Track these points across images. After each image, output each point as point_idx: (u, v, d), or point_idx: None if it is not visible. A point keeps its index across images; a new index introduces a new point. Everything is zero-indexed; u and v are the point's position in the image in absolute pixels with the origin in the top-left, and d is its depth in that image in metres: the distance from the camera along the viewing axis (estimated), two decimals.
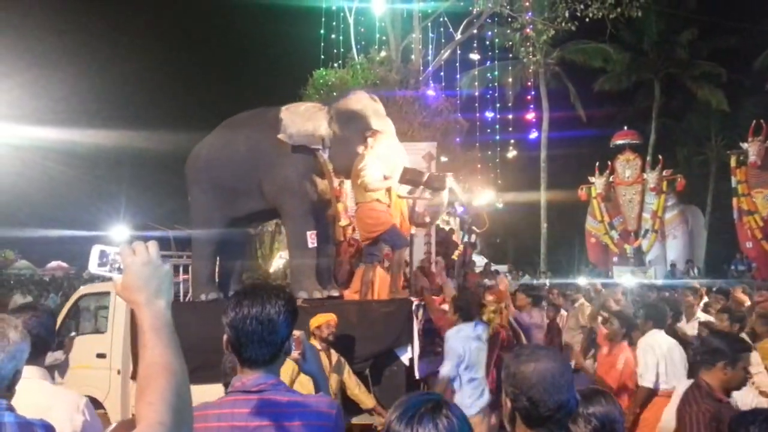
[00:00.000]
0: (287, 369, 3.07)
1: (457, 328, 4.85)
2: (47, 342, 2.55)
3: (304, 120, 6.34)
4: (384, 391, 5.36)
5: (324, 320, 4.85)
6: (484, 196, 13.77)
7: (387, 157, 6.26)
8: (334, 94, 9.88)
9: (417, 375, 5.42)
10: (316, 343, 4.62)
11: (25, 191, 19.41)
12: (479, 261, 15.56)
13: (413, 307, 5.56)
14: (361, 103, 6.67)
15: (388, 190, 6.24)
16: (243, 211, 6.80)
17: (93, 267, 1.30)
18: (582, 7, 17.74)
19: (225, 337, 1.89)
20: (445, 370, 4.65)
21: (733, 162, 17.42)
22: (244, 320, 1.81)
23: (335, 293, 6.35)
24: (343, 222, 7.01)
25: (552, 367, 1.78)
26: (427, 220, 6.61)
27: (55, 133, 17.71)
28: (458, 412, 1.45)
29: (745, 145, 16.78)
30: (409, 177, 6.07)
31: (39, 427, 1.94)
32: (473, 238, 11.21)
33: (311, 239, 6.28)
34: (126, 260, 1.23)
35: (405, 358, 5.42)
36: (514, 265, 22.24)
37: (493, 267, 14.11)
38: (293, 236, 6.54)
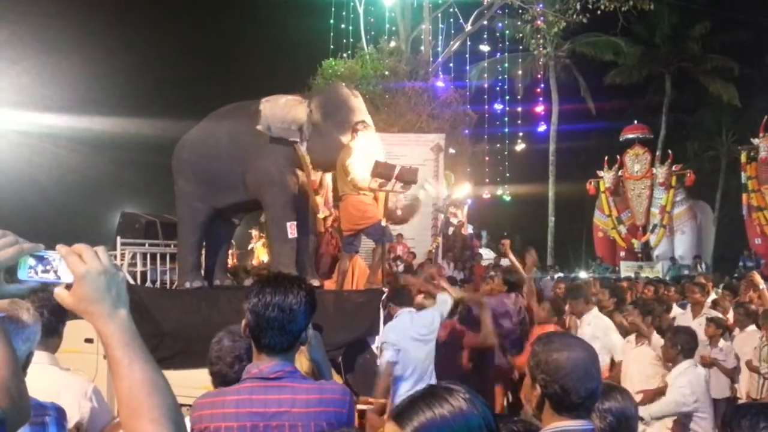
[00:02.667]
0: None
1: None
2: (56, 326, 2.56)
3: (283, 112, 6.42)
4: (356, 378, 5.49)
5: None
6: (462, 189, 13.79)
7: (371, 152, 6.32)
8: (343, 83, 9.86)
9: None
10: None
11: (35, 177, 19.50)
12: (487, 254, 15.55)
13: (384, 298, 5.64)
14: (342, 98, 6.74)
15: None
16: (226, 202, 6.94)
17: (24, 275, 1.08)
18: None
19: (243, 322, 1.93)
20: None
21: (743, 158, 17.29)
22: (266, 307, 1.85)
23: (316, 283, 6.42)
24: (322, 214, 7.13)
25: (584, 355, 1.84)
26: (399, 214, 6.64)
27: (62, 119, 17.80)
28: (470, 394, 1.45)
29: (756, 141, 16.65)
30: (381, 170, 6.10)
31: (51, 409, 1.97)
32: (483, 233, 11.26)
33: (291, 230, 6.39)
34: (77, 269, 1.07)
35: (374, 348, 5.53)
36: (521, 258, 22.18)
37: (502, 261, 14.08)
38: (274, 227, 6.68)
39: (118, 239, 7.01)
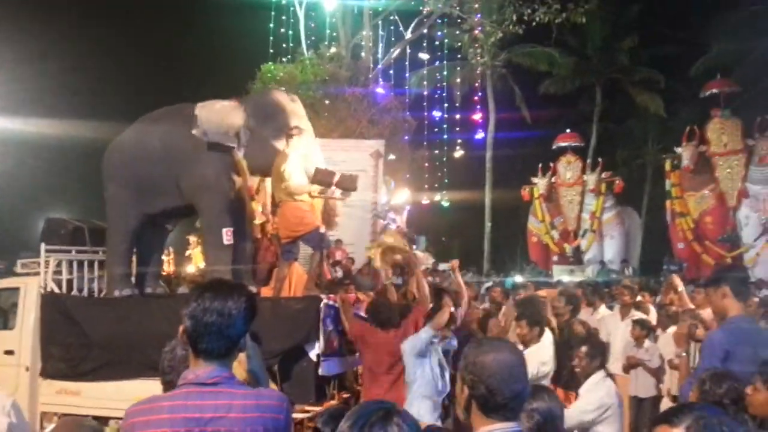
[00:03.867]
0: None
1: None
2: None
3: (219, 118, 6.35)
4: (293, 386, 5.47)
5: None
6: (401, 195, 13.95)
7: (308, 157, 6.32)
8: (282, 89, 9.78)
9: (321, 371, 5.52)
10: None
11: None
12: (425, 259, 15.70)
13: (322, 305, 5.64)
14: (279, 102, 6.73)
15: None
16: (159, 208, 6.80)
17: None
18: (529, 11, 18.13)
19: (181, 327, 1.93)
20: None
21: (667, 166, 18.12)
22: (205, 312, 1.84)
23: (253, 290, 6.35)
24: (259, 220, 7.07)
25: (510, 357, 1.89)
26: (337, 220, 6.69)
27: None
28: (409, 420, 1.48)
29: (679, 150, 17.48)
30: (320, 177, 6.14)
31: None
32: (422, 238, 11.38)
33: (228, 236, 6.33)
34: None
35: (313, 355, 5.53)
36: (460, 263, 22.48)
37: (441, 266, 14.25)
38: (209, 233, 6.59)
39: (43, 246, 6.71)
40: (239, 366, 3.12)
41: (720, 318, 3.64)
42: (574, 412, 3.71)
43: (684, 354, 4.60)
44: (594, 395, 3.82)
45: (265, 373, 2.33)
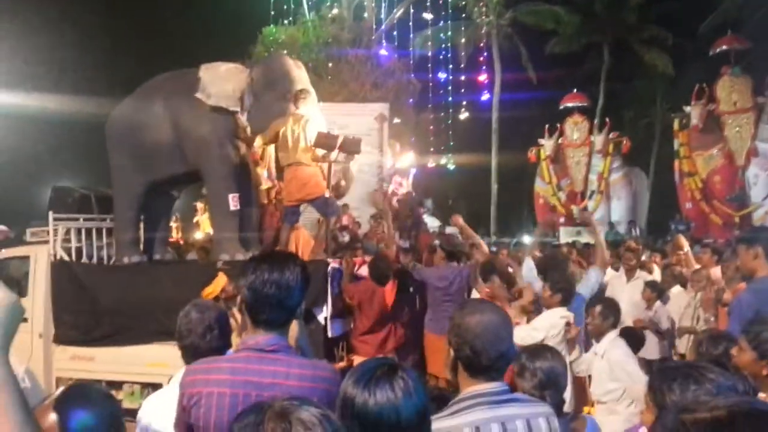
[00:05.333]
0: None
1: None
2: None
3: (223, 81, 6.28)
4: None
5: (220, 285, 4.94)
6: (406, 158, 13.85)
7: (314, 120, 6.27)
8: (285, 52, 9.66)
9: (330, 333, 5.62)
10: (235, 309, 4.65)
11: None
12: (432, 222, 15.72)
13: (329, 269, 5.68)
14: (284, 68, 6.62)
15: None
16: (164, 174, 6.77)
17: None
18: None
19: (239, 298, 2.00)
20: None
21: (675, 125, 17.92)
22: (264, 284, 1.90)
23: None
24: (265, 185, 7.03)
25: (495, 319, 1.90)
26: (343, 184, 6.67)
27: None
28: (414, 375, 1.50)
29: (688, 109, 17.26)
30: (323, 141, 6.07)
31: None
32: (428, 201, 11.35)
33: (233, 202, 6.31)
34: None
35: (321, 317, 5.59)
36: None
37: (448, 229, 14.28)
38: (214, 199, 6.58)
39: (50, 214, 6.74)
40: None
41: (748, 276, 3.60)
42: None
43: (713, 319, 4.62)
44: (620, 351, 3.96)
45: (310, 346, 2.42)
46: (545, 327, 4.34)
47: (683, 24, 22.86)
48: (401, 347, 5.81)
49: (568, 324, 4.32)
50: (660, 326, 5.95)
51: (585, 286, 4.89)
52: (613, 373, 3.89)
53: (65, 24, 20.22)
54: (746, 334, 2.45)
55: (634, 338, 5.53)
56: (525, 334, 4.28)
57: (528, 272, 5.13)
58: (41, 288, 6.57)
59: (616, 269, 7.66)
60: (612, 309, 4.19)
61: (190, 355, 2.39)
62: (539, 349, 2.77)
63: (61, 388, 1.61)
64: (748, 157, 16.23)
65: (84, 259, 6.98)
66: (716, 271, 5.91)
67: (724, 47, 16.92)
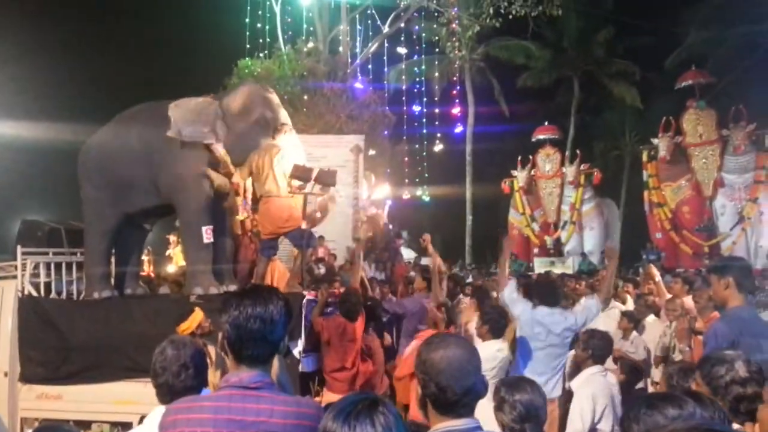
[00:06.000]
0: None
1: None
2: None
3: (194, 115, 6.28)
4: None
5: (196, 321, 4.86)
6: (381, 190, 13.92)
7: (291, 151, 6.28)
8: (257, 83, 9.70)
9: (301, 368, 5.55)
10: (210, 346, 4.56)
11: None
12: (408, 254, 15.72)
13: (304, 302, 5.65)
14: (254, 95, 6.65)
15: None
16: (137, 207, 6.72)
17: None
18: (506, 4, 18.21)
19: (221, 334, 2.02)
20: None
21: (644, 157, 18.31)
22: (248, 319, 1.86)
23: (234, 288, 6.28)
24: (242, 216, 6.99)
25: (459, 353, 1.85)
26: (318, 215, 6.67)
27: None
28: (394, 410, 1.48)
29: (656, 141, 17.68)
30: (299, 173, 6.07)
31: None
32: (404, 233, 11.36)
33: (207, 235, 6.27)
34: None
35: (296, 352, 5.53)
36: (441, 257, 22.60)
37: (423, 260, 14.29)
38: (188, 232, 6.51)
39: (19, 248, 6.58)
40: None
41: (721, 306, 3.59)
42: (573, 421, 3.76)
43: (687, 348, 4.64)
44: (587, 390, 3.85)
45: (290, 383, 2.36)
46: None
47: (650, 58, 23.61)
48: (369, 381, 5.72)
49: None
50: (636, 356, 5.98)
51: (582, 316, 4.66)
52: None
53: (40, 54, 20.10)
54: (700, 370, 2.47)
55: (635, 372, 5.55)
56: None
57: (509, 294, 5.03)
58: (7, 324, 6.38)
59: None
60: (597, 343, 4.10)
61: (165, 393, 2.34)
62: (518, 382, 2.75)
63: (31, 430, 1.56)
64: (715, 188, 16.62)
65: (53, 295, 6.81)
66: (688, 301, 5.98)
67: (690, 81, 17.44)
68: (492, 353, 4.24)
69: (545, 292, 4.82)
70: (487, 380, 1.90)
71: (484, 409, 2.19)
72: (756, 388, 2.35)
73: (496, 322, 4.48)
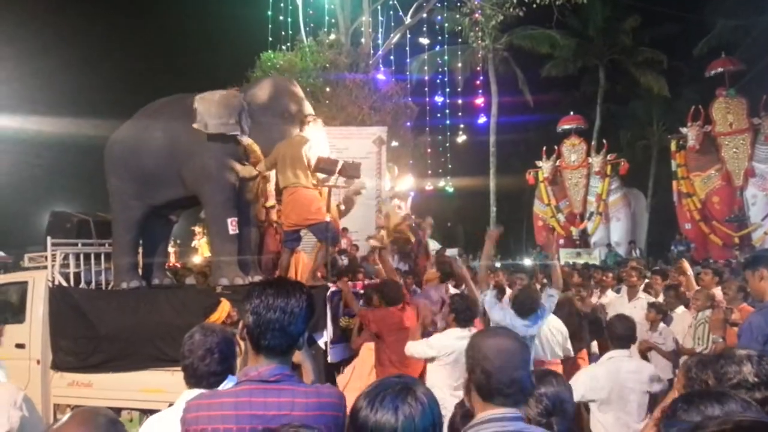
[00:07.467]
0: None
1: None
2: None
3: (219, 107, 6.30)
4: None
5: (225, 312, 4.90)
6: (405, 181, 13.85)
7: (317, 143, 6.27)
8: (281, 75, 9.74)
9: (329, 359, 5.54)
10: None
11: None
12: (432, 245, 15.67)
13: (329, 293, 5.62)
14: (278, 87, 6.70)
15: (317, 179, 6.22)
16: (163, 199, 6.79)
17: None
18: None
19: (241, 323, 1.99)
20: None
21: (673, 146, 18.03)
22: (268, 309, 1.87)
23: (258, 279, 6.31)
24: (271, 202, 7.00)
25: (508, 343, 1.88)
26: (342, 208, 6.65)
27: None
28: (426, 399, 1.47)
29: (684, 130, 17.38)
30: (323, 165, 6.05)
31: None
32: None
33: (232, 226, 6.33)
34: None
35: (321, 342, 5.53)
36: (464, 248, 22.54)
37: (448, 252, 14.24)
38: (214, 223, 6.58)
39: (49, 239, 6.71)
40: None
41: (759, 299, 3.54)
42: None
43: (721, 339, 4.56)
44: (602, 368, 3.87)
45: (317, 373, 2.37)
46: (438, 346, 4.44)
47: (678, 47, 23.13)
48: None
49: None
50: (665, 347, 5.88)
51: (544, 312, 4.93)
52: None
53: (64, 48, 20.43)
54: (712, 366, 2.39)
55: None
56: (420, 348, 4.51)
57: (489, 300, 5.04)
58: (39, 314, 6.53)
59: (617, 291, 7.63)
60: (619, 325, 4.04)
61: (189, 376, 2.38)
62: (544, 375, 2.70)
63: (69, 414, 1.58)
64: (746, 178, 16.31)
65: (82, 285, 6.94)
66: (717, 292, 5.87)
67: (719, 69, 17.09)
68: (450, 342, 4.39)
69: (522, 306, 4.85)
70: (534, 380, 1.93)
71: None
72: (766, 393, 2.27)
73: (462, 312, 4.54)
